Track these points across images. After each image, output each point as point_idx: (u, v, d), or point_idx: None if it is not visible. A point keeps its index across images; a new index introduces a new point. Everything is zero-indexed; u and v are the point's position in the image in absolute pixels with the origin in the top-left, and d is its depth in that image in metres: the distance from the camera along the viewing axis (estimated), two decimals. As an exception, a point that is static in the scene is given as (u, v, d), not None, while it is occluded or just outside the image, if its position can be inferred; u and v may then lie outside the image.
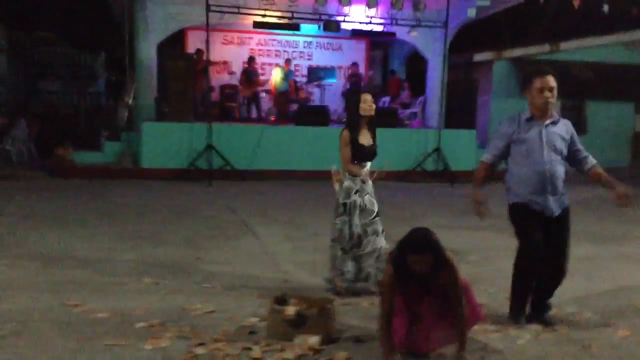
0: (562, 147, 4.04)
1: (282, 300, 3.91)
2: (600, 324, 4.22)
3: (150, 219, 7.64)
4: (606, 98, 15.33)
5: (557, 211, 4.02)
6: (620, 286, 5.17)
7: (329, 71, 14.76)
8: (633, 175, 14.55)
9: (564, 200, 4.07)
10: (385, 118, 13.16)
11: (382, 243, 4.71)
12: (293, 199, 9.83)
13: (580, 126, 15.53)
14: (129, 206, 8.57)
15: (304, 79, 15.26)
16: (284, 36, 16.14)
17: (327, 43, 16.85)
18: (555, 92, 4.00)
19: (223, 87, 14.66)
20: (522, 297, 4.12)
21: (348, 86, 15.19)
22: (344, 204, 4.70)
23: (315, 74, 14.46)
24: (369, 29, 13.32)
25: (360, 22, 13.00)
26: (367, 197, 4.73)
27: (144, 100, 13.12)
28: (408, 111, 15.00)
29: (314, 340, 3.61)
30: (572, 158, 4.12)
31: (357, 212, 4.69)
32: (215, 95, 14.17)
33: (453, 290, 3.38)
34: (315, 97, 15.09)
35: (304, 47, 16.73)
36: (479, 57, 15.69)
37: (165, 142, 11.86)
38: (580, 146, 4.13)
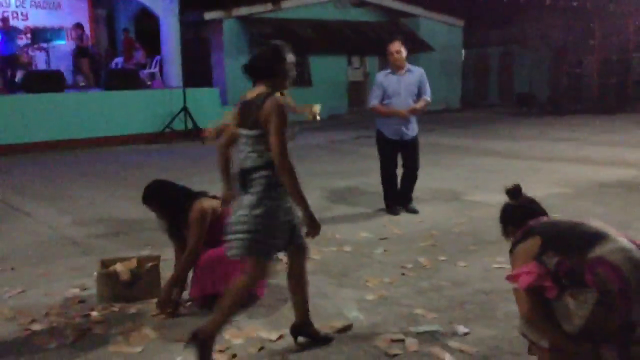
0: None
1: (106, 264, 3.96)
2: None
3: None
4: (324, 53, 17.10)
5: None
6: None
7: (56, 32, 13.54)
8: (351, 120, 16.66)
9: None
10: (126, 80, 12.85)
11: None
12: (45, 172, 9.14)
13: (305, 79, 17.14)
14: None
15: (27, 41, 13.83)
16: (-10, -7, 14.34)
17: (44, 1, 15.40)
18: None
19: None
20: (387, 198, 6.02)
21: (74, 47, 14.21)
22: None
23: (41, 35, 13.15)
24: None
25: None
26: None
27: None
28: (146, 71, 14.75)
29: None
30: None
31: None
32: None
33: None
34: (40, 61, 13.84)
35: (17, 6, 15.04)
36: (209, 15, 16.04)
37: None
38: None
